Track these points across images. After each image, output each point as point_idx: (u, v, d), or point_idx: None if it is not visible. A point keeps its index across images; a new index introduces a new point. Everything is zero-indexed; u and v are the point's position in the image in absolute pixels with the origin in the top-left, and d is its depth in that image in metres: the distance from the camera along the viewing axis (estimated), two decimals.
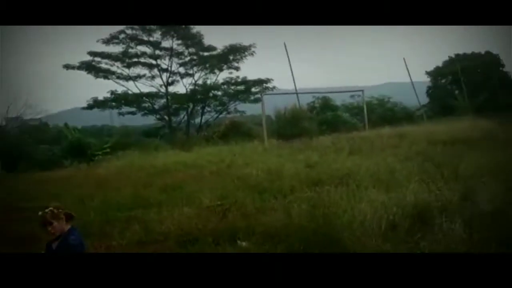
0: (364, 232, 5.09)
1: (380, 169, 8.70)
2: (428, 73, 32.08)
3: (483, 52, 31.29)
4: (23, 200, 11.05)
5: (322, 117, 23.50)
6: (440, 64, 32.34)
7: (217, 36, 28.70)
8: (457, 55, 31.65)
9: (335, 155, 11.79)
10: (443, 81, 31.99)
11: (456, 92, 27.73)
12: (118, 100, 25.97)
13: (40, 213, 4.01)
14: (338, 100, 26.79)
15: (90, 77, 25.30)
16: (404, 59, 23.83)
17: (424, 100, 30.00)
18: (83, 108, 25.85)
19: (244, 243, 5.44)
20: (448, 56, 32.22)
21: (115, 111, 27.08)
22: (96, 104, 25.71)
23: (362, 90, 22.55)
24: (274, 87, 27.11)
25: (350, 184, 7.49)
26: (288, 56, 21.28)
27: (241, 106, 28.25)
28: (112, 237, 6.41)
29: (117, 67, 25.60)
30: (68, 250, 3.91)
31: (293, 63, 21.72)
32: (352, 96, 26.61)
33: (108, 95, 25.62)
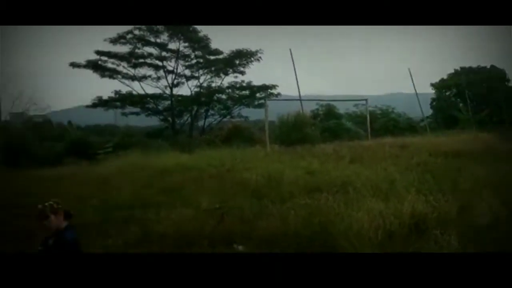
0: (360, 240, 5.10)
1: (380, 178, 8.71)
2: (432, 85, 32.14)
3: (488, 66, 31.34)
4: (22, 196, 11.10)
5: (325, 124, 23.53)
6: (445, 76, 32.42)
7: (223, 40, 28.90)
8: (463, 68, 31.74)
9: (336, 163, 11.80)
10: (447, 93, 32.04)
11: (460, 104, 27.76)
12: (123, 100, 26.09)
13: (39, 206, 4.05)
14: (342, 108, 26.85)
15: (95, 76, 25.46)
16: (409, 69, 23.83)
17: (428, 111, 30.02)
18: (87, 107, 25.97)
19: (240, 247, 5.46)
20: (454, 69, 32.34)
21: (119, 111, 27.25)
22: (101, 103, 25.82)
23: (366, 99, 22.55)
24: (278, 94, 27.23)
25: (349, 192, 7.52)
26: (293, 62, 21.33)
27: (245, 111, 28.31)
28: (110, 236, 6.45)
29: (123, 67, 25.72)
30: (64, 247, 3.94)
31: (298, 70, 21.76)
32: (356, 105, 26.68)
33: (113, 94, 25.78)
